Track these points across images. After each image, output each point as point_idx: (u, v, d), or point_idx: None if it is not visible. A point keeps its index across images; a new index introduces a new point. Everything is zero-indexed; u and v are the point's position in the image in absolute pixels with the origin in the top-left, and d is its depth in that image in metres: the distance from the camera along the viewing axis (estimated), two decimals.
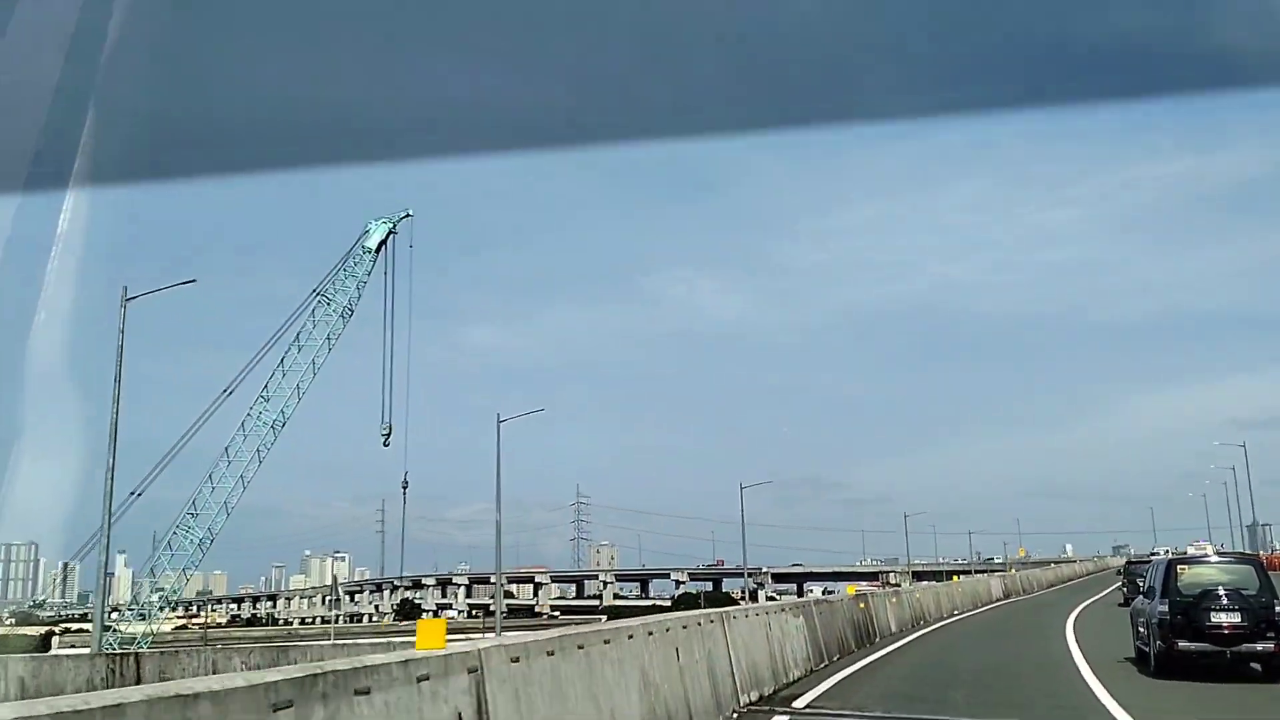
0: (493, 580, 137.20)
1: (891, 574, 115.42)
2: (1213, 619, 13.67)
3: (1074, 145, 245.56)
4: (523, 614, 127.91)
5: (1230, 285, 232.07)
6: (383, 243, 42.21)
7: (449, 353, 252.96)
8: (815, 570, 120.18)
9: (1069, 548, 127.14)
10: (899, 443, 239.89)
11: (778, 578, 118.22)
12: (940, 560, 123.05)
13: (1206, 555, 20.03)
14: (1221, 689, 12.92)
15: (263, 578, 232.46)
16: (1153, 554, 53.74)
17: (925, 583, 46.62)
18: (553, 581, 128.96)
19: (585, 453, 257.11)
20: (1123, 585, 34.37)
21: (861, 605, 18.86)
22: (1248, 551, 55.22)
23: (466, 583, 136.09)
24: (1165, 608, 14.10)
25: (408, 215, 42.58)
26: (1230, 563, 15.96)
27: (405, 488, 45.69)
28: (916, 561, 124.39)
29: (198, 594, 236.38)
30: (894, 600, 23.78)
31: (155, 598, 40.78)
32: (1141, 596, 16.29)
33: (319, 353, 40.20)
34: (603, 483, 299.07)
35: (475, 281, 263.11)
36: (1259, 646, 13.48)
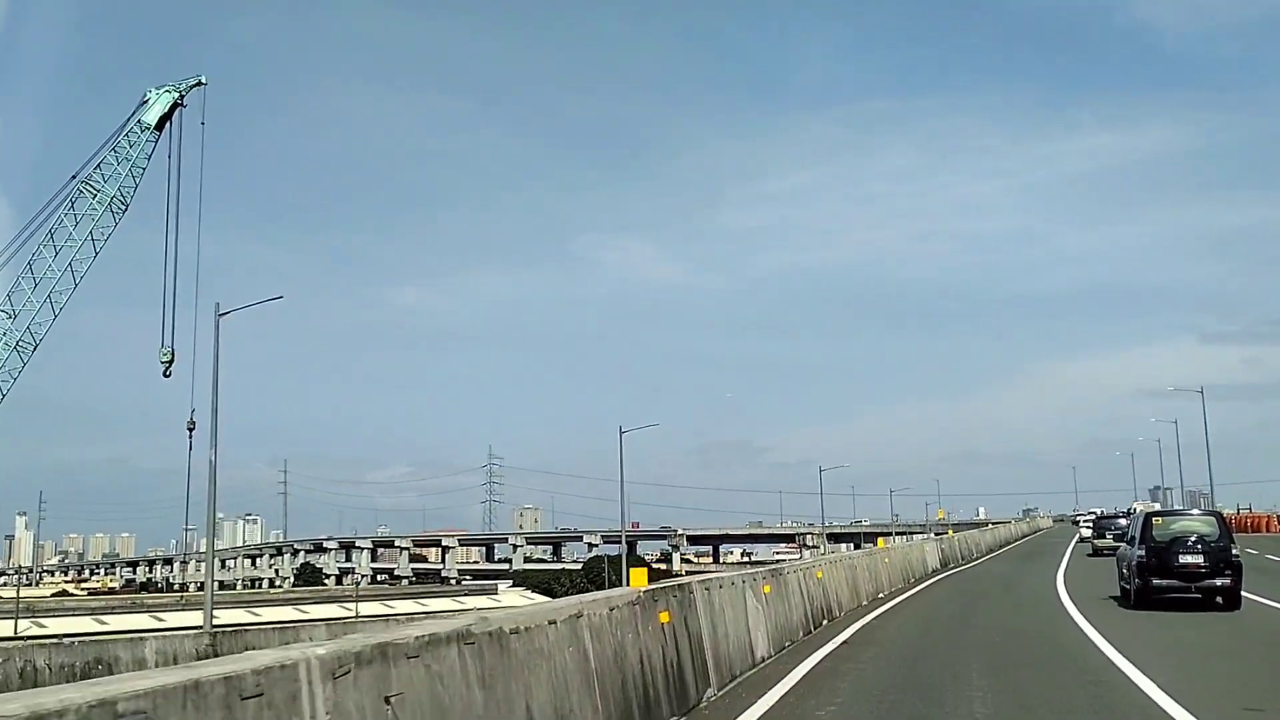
0: (399, 544, 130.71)
1: (809, 536, 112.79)
2: (1181, 560, 16.46)
3: (1000, 118, 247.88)
4: (431, 579, 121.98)
5: (1138, 260, 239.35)
6: (166, 118, 33.92)
7: (372, 312, 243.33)
8: (732, 532, 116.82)
9: (981, 510, 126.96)
10: (825, 407, 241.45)
11: (693, 539, 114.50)
12: (860, 522, 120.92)
13: (1185, 509, 22.63)
14: (1186, 615, 15.64)
15: (173, 540, 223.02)
16: (1090, 512, 66.15)
17: (840, 553, 39.95)
18: (460, 545, 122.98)
19: (513, 416, 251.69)
20: (1093, 537, 40.33)
21: (664, 617, 7.98)
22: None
23: (371, 546, 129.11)
24: (1143, 552, 16.89)
25: (200, 83, 34.01)
26: (1197, 515, 19.23)
27: (191, 430, 37.30)
28: (835, 524, 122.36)
29: (104, 556, 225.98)
30: (766, 589, 12.13)
31: None
32: (1125, 545, 19.04)
33: (80, 255, 32.21)
34: (529, 446, 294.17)
35: (402, 240, 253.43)
36: (1218, 581, 16.37)
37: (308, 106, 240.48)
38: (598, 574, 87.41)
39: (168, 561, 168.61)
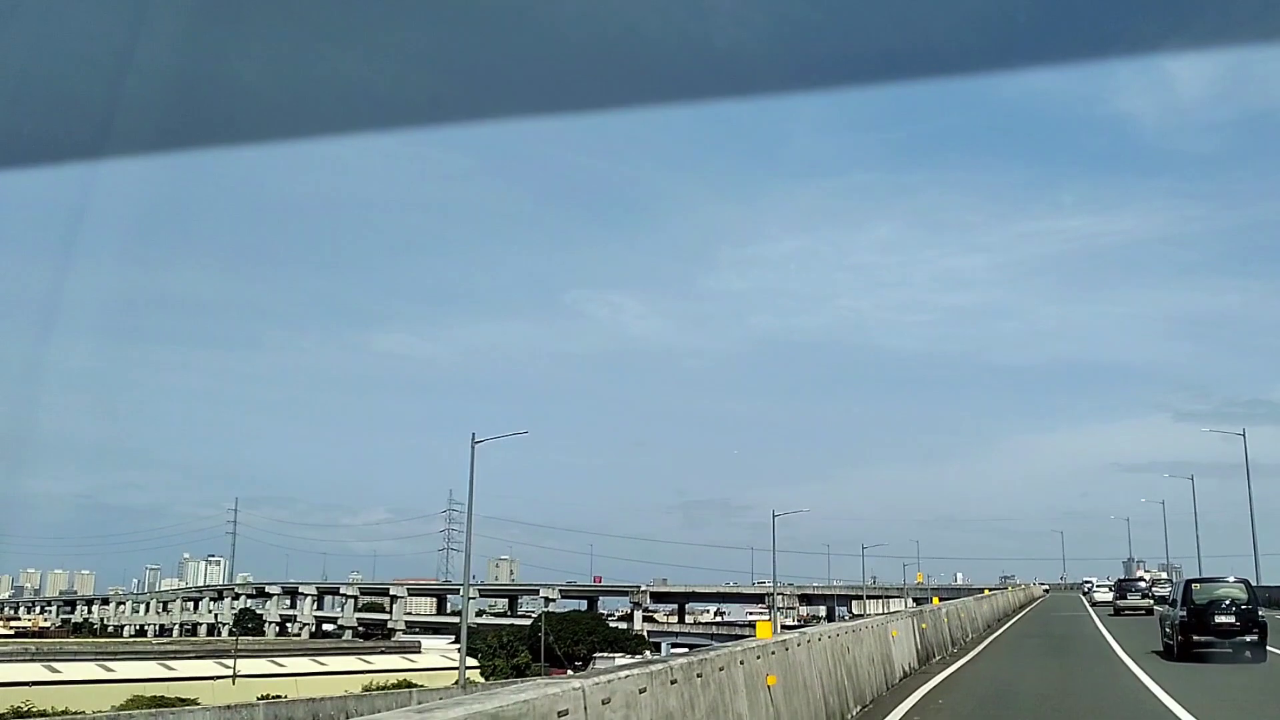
0: (344, 591, 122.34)
1: (780, 596, 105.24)
2: (1216, 619, 19.42)
3: (983, 196, 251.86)
4: (378, 631, 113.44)
5: (1113, 339, 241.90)
6: None
7: (357, 356, 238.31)
8: (699, 590, 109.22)
9: (960, 575, 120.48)
10: (805, 469, 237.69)
11: (656, 597, 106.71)
12: (833, 583, 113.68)
13: (1221, 577, 23.05)
14: (1219, 666, 18.41)
15: (134, 580, 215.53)
16: (1086, 580, 78.81)
17: (767, 641, 31.39)
18: (410, 595, 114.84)
19: (495, 466, 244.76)
20: (1116, 599, 43.74)
21: None
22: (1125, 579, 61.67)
23: (315, 593, 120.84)
24: (1184, 612, 19.66)
25: None
26: (1231, 582, 21.34)
27: None
28: (813, 584, 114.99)
29: (60, 593, 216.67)
30: None
31: None
32: (1166, 606, 22.72)
33: None
34: (509, 496, 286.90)
35: (391, 288, 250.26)
36: (1247, 638, 19.34)
37: (303, 153, 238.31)
38: (544, 634, 79.75)
39: (105, 601, 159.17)
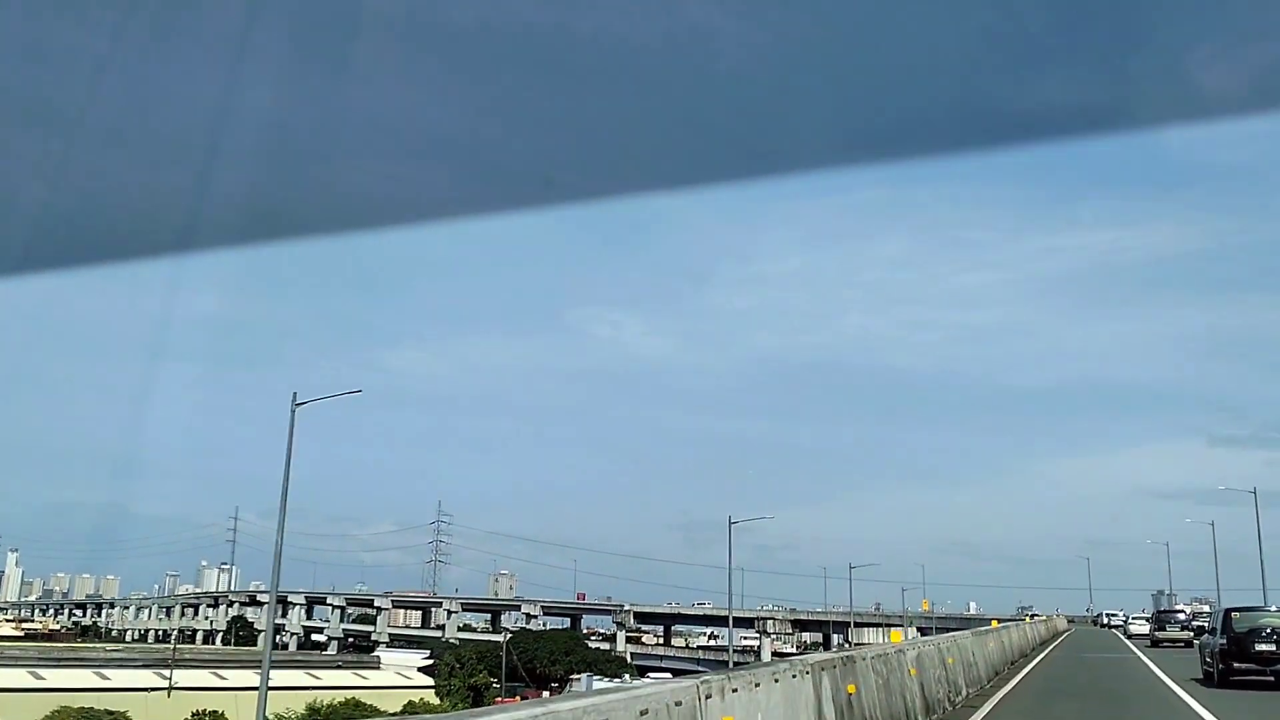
0: (330, 601, 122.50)
1: (770, 621, 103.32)
2: (1257, 647, 19.77)
3: (996, 211, 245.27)
4: (361, 642, 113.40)
5: (1139, 358, 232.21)
6: None
7: (366, 373, 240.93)
8: (685, 612, 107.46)
9: (973, 604, 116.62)
10: (811, 491, 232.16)
11: (643, 617, 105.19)
12: (831, 609, 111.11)
13: (1263, 606, 24.41)
14: (1261, 693, 18.51)
15: (155, 585, 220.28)
16: (1110, 612, 78.61)
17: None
18: (394, 607, 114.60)
19: (500, 481, 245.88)
20: (1154, 630, 43.08)
21: None
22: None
23: (304, 602, 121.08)
24: (1224, 640, 20.15)
25: None
26: (1273, 611, 22.67)
27: None
28: (814, 610, 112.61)
29: (88, 596, 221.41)
30: None
31: None
32: (1206, 635, 22.67)
33: None
34: (512, 511, 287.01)
35: (403, 308, 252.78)
36: None
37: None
38: (515, 652, 78.89)
39: (111, 605, 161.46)
